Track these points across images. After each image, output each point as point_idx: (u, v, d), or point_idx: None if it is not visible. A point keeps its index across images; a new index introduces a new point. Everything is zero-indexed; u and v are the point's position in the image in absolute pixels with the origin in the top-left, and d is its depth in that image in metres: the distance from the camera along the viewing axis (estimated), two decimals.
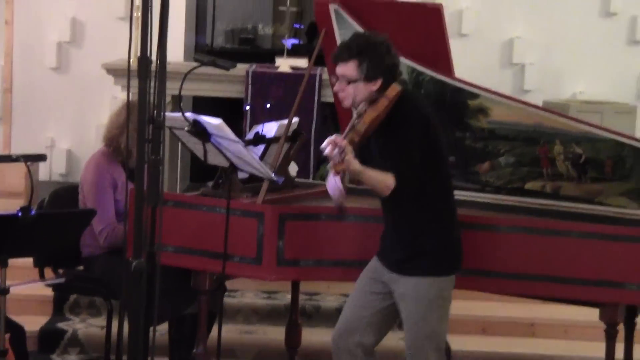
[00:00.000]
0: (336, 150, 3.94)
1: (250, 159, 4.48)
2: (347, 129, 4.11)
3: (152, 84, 3.19)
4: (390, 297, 4.28)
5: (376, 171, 4.05)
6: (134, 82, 3.19)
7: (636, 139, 4.87)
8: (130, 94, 3.38)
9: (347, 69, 4.14)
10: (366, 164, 4.04)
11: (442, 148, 4.21)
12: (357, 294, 4.38)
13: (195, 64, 4.35)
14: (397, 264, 4.23)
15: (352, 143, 4.04)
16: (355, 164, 3.98)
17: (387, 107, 4.11)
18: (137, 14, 6.19)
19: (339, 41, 5.08)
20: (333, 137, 3.99)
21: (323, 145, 3.99)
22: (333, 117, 7.00)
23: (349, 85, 4.14)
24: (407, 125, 4.10)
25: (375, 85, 4.12)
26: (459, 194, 4.59)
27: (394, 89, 4.14)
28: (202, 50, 9.21)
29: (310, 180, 6.21)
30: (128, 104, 3.56)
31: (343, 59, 4.15)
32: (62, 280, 4.92)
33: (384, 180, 4.03)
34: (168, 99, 6.97)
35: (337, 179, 4.06)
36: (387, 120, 4.13)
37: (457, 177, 4.93)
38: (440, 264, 4.20)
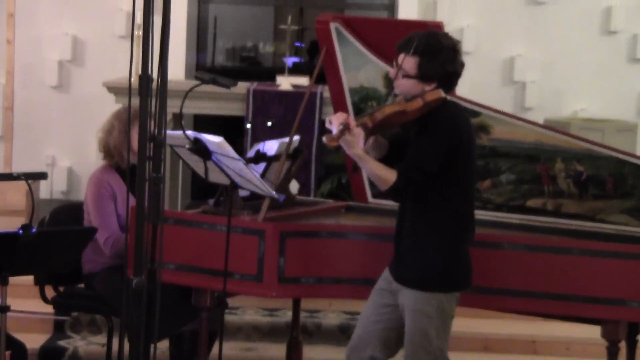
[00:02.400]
0: (340, 126, 3.91)
1: (251, 177, 4.48)
2: (368, 111, 4.05)
3: (153, 102, 3.20)
4: (398, 310, 4.24)
5: (379, 163, 4.01)
6: (135, 100, 3.20)
7: (637, 157, 4.88)
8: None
9: (407, 62, 4.08)
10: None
11: (470, 165, 4.14)
12: (369, 307, 4.34)
13: (196, 82, 4.36)
14: (402, 274, 4.19)
15: (363, 127, 3.98)
16: (357, 149, 3.94)
17: (419, 109, 4.04)
18: (138, 32, 6.20)
19: (340, 59, 5.10)
20: (343, 114, 3.96)
21: (329, 117, 3.96)
22: None
23: (403, 78, 4.11)
24: (439, 129, 4.04)
25: (429, 86, 4.07)
26: None
27: (434, 94, 4.07)
28: (203, 68, 9.24)
29: (312, 198, 6.21)
30: (129, 123, 3.58)
31: (406, 51, 4.10)
32: (66, 317, 4.89)
33: (384, 175, 4.00)
34: (169, 117, 7.00)
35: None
36: (422, 123, 4.07)
37: None
38: (444, 279, 4.15)
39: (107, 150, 5.18)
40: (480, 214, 4.98)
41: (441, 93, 4.09)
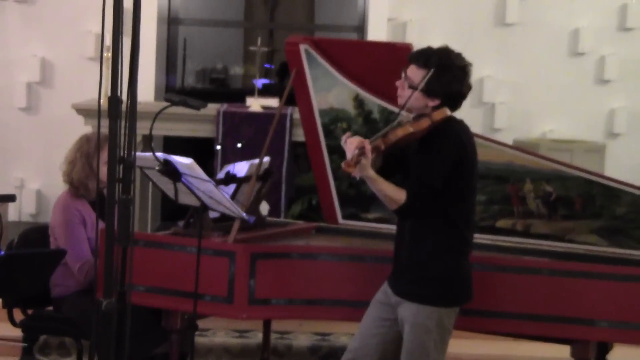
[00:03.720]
0: (357, 150, 3.90)
1: (221, 198, 4.48)
2: (379, 133, 4.04)
3: (123, 123, 3.19)
4: (397, 324, 4.21)
5: (389, 183, 3.99)
6: (105, 122, 3.19)
7: (605, 177, 4.92)
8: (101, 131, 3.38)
9: (415, 74, 4.08)
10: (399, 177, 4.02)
11: (474, 180, 4.15)
12: (368, 319, 4.30)
13: (165, 103, 4.36)
14: (402, 287, 4.17)
15: (376, 149, 3.97)
16: (369, 171, 3.91)
17: (427, 129, 4.03)
18: (108, 54, 6.19)
19: (309, 81, 5.12)
20: (356, 137, 3.93)
21: (345, 137, 3.94)
22: (304, 156, 7.02)
23: (409, 88, 4.10)
24: (444, 146, 4.03)
25: (433, 102, 4.06)
26: None
27: (442, 113, 4.06)
28: (172, 90, 9.23)
29: (282, 219, 6.21)
30: (99, 145, 3.57)
31: (417, 63, 4.09)
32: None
33: (395, 194, 3.97)
34: (139, 138, 6.98)
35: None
36: (426, 138, 4.06)
37: None
38: (445, 293, 4.13)
39: (71, 183, 5.14)
40: None
41: (447, 112, 4.09)
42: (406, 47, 4.79)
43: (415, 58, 4.12)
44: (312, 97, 5.18)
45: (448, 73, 4.06)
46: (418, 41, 7.87)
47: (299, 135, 6.95)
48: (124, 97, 3.18)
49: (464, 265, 4.17)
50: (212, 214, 4.87)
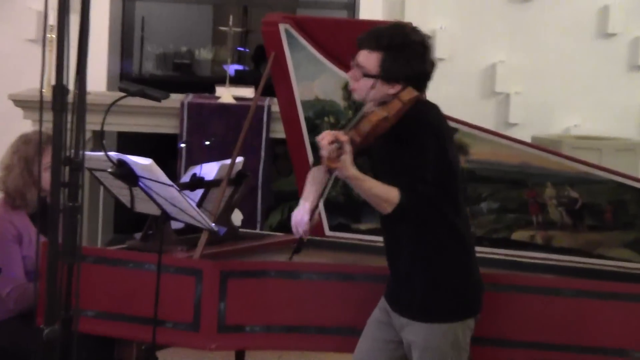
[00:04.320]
0: (334, 144, 3.88)
1: (185, 206, 4.48)
2: (349, 126, 4.04)
3: (69, 118, 3.18)
4: (402, 346, 4.21)
5: (376, 182, 3.96)
6: (48, 116, 3.18)
7: None
8: (43, 130, 3.38)
9: (368, 60, 4.08)
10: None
11: (457, 165, 4.17)
12: (366, 343, 4.31)
13: (120, 94, 4.35)
14: (406, 306, 4.16)
15: (352, 142, 4.00)
16: (351, 169, 3.90)
17: (400, 111, 4.03)
18: (51, 35, 6.19)
19: (291, 67, 5.12)
20: (329, 132, 3.92)
21: (319, 136, 3.94)
22: (285, 157, 7.03)
23: (363, 77, 4.10)
24: (421, 133, 4.02)
25: (394, 89, 4.06)
26: None
27: (410, 93, 4.06)
28: (128, 78, 9.23)
29: (258, 231, 6.21)
30: (40, 141, 3.56)
31: (368, 47, 4.09)
32: None
33: (387, 192, 3.94)
34: (88, 135, 6.99)
35: (306, 210, 4.05)
36: (397, 126, 4.06)
37: None
38: (458, 305, 4.13)
39: (6, 191, 5.12)
40: None
41: (414, 92, 4.09)
42: None
43: (365, 41, 4.12)
44: (294, 86, 5.19)
45: (405, 51, 4.07)
46: (419, 20, 7.89)
47: (278, 132, 6.96)
48: (71, 86, 3.17)
49: (472, 266, 4.19)
50: (175, 225, 4.87)
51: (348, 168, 3.89)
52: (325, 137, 3.89)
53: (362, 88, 4.11)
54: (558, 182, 4.92)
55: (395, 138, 4.05)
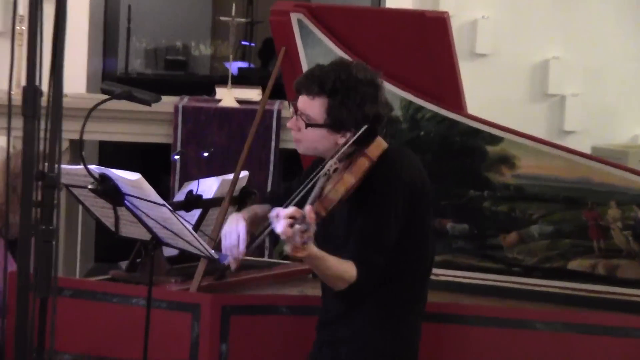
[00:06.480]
0: (297, 226, 3.77)
1: (180, 229, 4.48)
2: (313, 195, 4.00)
3: (43, 125, 3.19)
4: None
5: (337, 259, 3.98)
6: (17, 123, 3.19)
7: None
8: (12, 139, 3.38)
9: (311, 107, 4.12)
10: (322, 239, 4.02)
11: (429, 228, 4.20)
12: None
13: (103, 96, 4.36)
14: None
15: (318, 218, 3.95)
16: (313, 249, 3.86)
17: (366, 172, 4.04)
18: (22, 27, 6.22)
19: (304, 64, 5.13)
20: (291, 209, 3.83)
21: (274, 213, 3.84)
22: (298, 170, 7.02)
23: (307, 128, 4.13)
24: (388, 192, 4.06)
25: (343, 137, 4.09)
26: (472, 276, 4.60)
27: (379, 146, 4.08)
28: (112, 77, 9.26)
29: (266, 259, 6.22)
30: (8, 153, 3.57)
31: (310, 92, 4.13)
32: None
33: (344, 272, 3.98)
34: (65, 145, 6.99)
35: (243, 238, 4.05)
36: (361, 185, 4.06)
37: (471, 252, 4.95)
38: None
39: None
40: (502, 280, 5.01)
41: (384, 143, 4.09)
42: (440, 17, 4.80)
43: (305, 85, 4.15)
44: None
45: (353, 94, 4.09)
46: (456, 9, 7.92)
47: (290, 141, 6.95)
48: (45, 87, 3.18)
49: (418, 329, 4.23)
50: (168, 252, 4.87)
51: (311, 249, 3.85)
52: (283, 221, 3.73)
53: (309, 139, 4.15)
54: (623, 201, 4.92)
55: (355, 198, 4.06)
